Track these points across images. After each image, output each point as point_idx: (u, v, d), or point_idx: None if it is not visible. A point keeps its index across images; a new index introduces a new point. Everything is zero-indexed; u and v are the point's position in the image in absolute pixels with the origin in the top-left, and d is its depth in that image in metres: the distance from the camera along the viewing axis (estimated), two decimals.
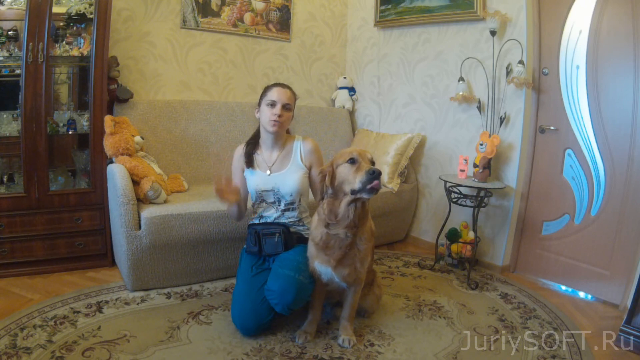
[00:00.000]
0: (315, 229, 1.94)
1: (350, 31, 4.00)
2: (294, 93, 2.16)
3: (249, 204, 2.26)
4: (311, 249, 1.97)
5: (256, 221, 2.21)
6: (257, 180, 2.14)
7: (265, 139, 2.17)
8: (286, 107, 2.09)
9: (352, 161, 1.81)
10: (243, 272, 2.11)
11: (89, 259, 2.66)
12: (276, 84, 2.15)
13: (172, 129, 3.00)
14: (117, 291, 2.35)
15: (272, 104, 2.08)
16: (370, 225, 1.96)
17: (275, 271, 1.97)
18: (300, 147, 2.19)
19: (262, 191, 2.13)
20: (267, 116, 2.08)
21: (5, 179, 2.58)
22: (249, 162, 2.16)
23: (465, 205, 2.83)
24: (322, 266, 1.92)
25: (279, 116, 2.06)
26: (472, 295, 2.59)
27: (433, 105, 3.37)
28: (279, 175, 2.13)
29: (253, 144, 2.20)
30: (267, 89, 2.14)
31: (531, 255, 2.98)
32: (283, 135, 2.20)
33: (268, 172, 2.14)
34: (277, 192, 2.13)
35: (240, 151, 2.21)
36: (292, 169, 2.14)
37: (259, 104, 2.15)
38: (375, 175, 1.73)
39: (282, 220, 2.16)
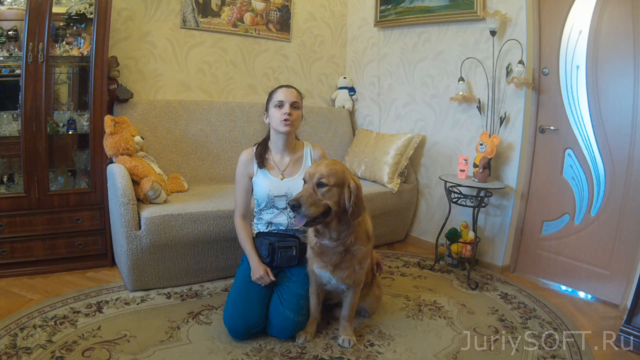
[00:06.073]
0: (310, 234, 1.96)
1: (350, 31, 4.00)
2: (299, 92, 2.17)
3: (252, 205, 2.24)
4: (309, 252, 1.98)
5: (263, 228, 2.17)
6: (269, 184, 2.10)
7: (276, 142, 2.16)
8: (294, 106, 2.09)
9: (304, 180, 1.84)
10: (241, 277, 2.10)
11: (89, 259, 2.66)
12: (280, 86, 2.16)
13: (172, 129, 3.00)
14: (117, 291, 2.35)
15: (280, 105, 2.08)
16: (365, 229, 1.93)
17: (277, 307, 1.99)
18: (310, 153, 2.20)
19: (275, 196, 2.10)
20: (277, 117, 2.08)
21: (5, 179, 2.58)
22: (261, 162, 2.14)
23: (465, 205, 2.83)
24: (320, 270, 1.92)
25: (289, 114, 2.06)
26: (472, 295, 2.59)
27: (433, 105, 3.37)
28: (291, 181, 2.11)
29: (263, 145, 2.18)
30: (272, 92, 2.15)
31: (531, 255, 2.98)
32: (294, 137, 2.20)
33: (280, 177, 2.13)
34: (289, 197, 2.08)
35: (246, 156, 2.17)
36: None
37: (267, 109, 2.15)
38: (291, 205, 1.76)
39: (291, 226, 2.14)
